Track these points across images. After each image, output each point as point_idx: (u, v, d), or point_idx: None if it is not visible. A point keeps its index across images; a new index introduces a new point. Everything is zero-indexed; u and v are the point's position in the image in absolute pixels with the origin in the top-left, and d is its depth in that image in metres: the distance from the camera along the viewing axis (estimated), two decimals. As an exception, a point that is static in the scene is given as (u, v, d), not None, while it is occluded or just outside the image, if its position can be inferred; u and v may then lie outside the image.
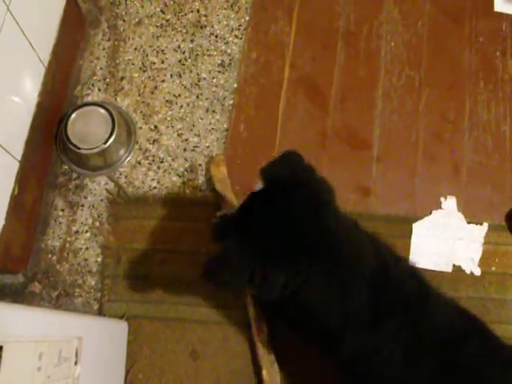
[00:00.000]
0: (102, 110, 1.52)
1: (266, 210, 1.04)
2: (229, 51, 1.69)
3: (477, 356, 1.09)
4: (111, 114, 1.52)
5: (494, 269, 1.52)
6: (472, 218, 1.56)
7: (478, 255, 1.52)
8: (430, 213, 1.56)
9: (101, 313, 1.46)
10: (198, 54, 1.68)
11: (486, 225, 1.55)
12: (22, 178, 1.41)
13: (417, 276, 1.17)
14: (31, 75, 1.45)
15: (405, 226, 1.55)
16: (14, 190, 1.38)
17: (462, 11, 1.82)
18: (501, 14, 1.84)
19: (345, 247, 1.05)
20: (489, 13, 1.84)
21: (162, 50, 1.69)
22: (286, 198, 1.04)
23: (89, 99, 1.65)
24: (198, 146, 1.60)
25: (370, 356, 1.10)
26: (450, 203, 1.57)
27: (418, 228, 1.54)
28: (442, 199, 1.57)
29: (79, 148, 1.50)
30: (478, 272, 1.50)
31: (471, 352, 1.08)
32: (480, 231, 1.55)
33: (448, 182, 1.61)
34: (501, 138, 1.65)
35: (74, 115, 1.52)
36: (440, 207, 1.57)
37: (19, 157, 1.40)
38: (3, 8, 1.26)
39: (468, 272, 1.51)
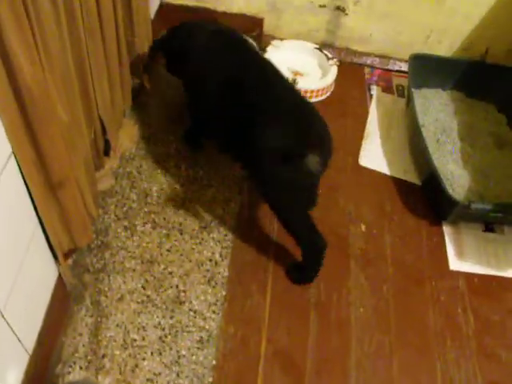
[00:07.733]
0: None
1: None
2: (207, 327, 1.76)
3: None
4: None
5: None
6: None
7: None
8: None
9: None
10: (177, 331, 1.75)
11: None
12: None
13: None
14: (15, 367, 1.48)
15: None
16: None
17: (422, 273, 1.99)
18: (456, 272, 2.01)
19: None
20: (445, 272, 2.01)
21: (143, 327, 1.76)
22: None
23: (70, 377, 1.66)
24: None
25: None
26: None
27: None
28: None
29: None
30: None
31: None
32: None
33: None
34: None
35: None
36: None
37: None
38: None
39: None
